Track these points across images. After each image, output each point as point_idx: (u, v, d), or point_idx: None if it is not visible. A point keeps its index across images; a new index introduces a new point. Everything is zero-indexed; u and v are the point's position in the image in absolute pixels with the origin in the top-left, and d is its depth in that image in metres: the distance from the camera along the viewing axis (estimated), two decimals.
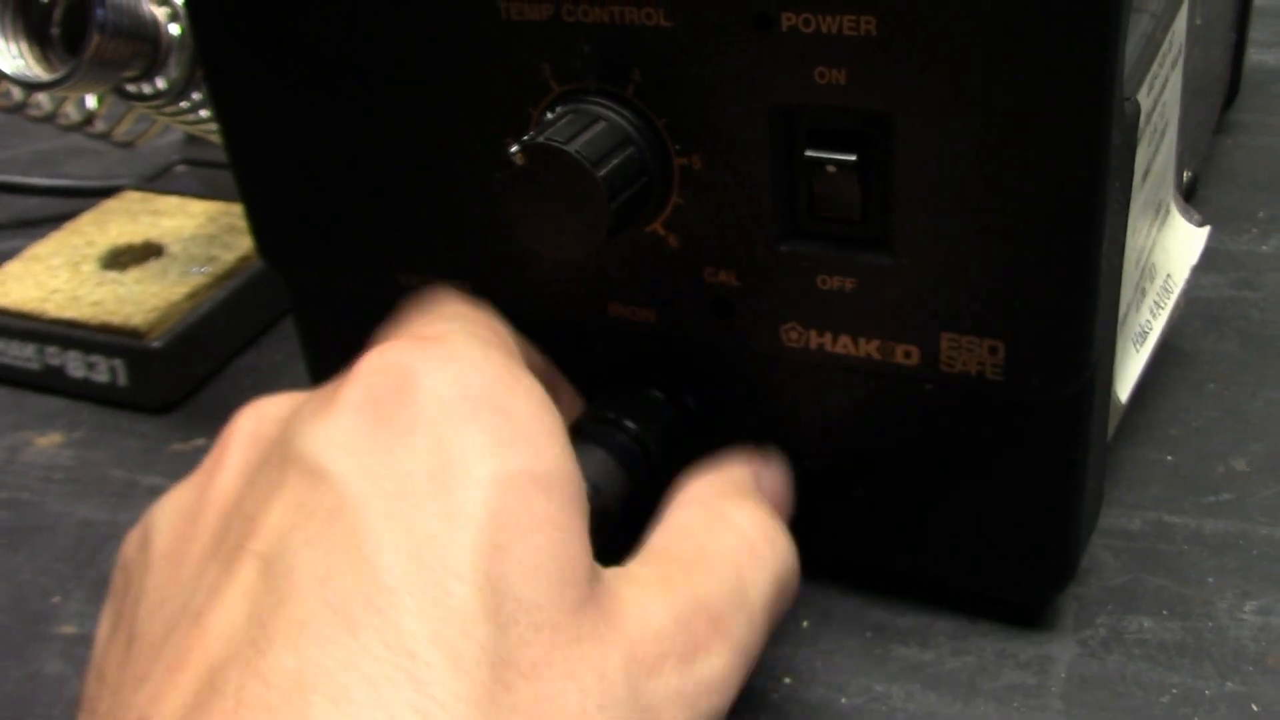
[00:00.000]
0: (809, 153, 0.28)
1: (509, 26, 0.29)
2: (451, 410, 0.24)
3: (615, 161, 0.28)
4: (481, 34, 0.30)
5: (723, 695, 0.25)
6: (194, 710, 0.20)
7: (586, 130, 0.28)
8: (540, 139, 0.27)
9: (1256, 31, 0.55)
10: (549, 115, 0.29)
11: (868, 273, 0.28)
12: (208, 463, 0.26)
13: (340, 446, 0.23)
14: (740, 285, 0.30)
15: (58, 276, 0.48)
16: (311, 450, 0.23)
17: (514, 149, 0.28)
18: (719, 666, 0.25)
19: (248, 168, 0.36)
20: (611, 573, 0.25)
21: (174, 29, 0.41)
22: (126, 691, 0.22)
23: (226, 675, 0.20)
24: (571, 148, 0.27)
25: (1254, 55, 0.57)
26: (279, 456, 0.24)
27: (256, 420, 0.26)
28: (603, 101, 0.29)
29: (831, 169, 0.28)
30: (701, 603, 0.25)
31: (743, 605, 0.26)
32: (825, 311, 0.29)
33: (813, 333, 0.30)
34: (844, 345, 0.30)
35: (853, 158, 0.27)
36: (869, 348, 0.29)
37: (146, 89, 0.43)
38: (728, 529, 0.28)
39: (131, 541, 0.26)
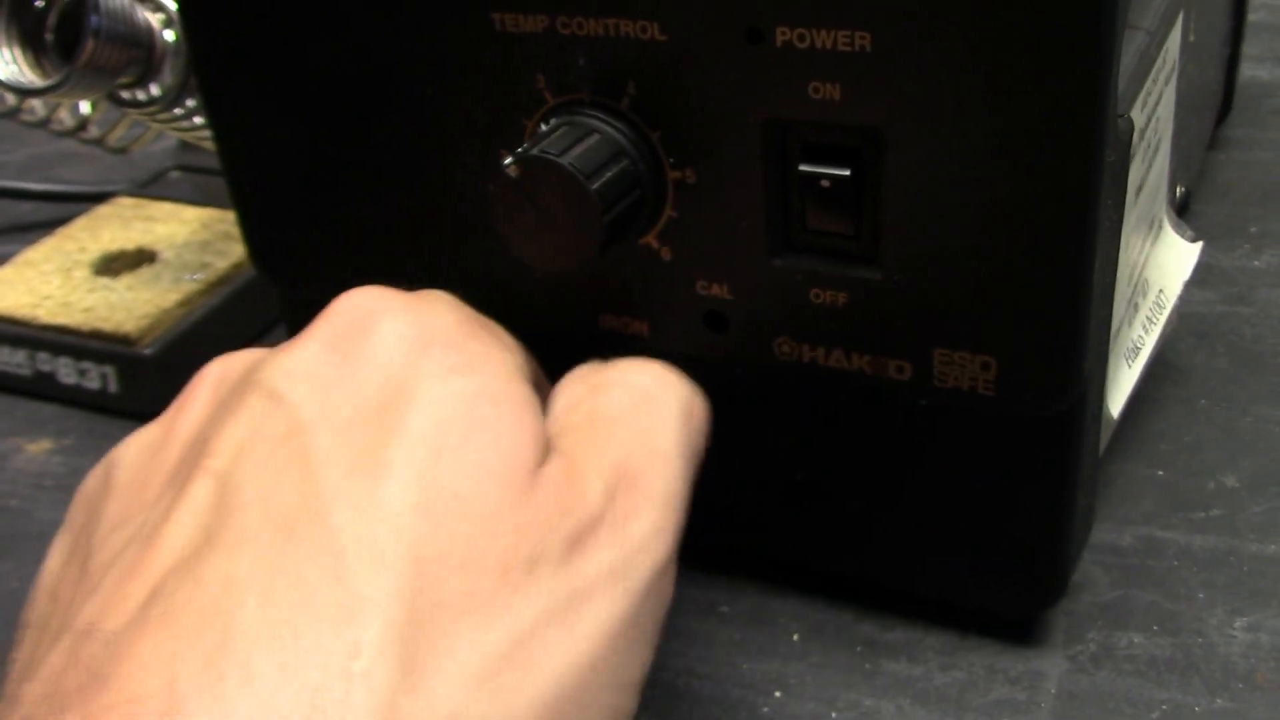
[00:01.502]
0: (802, 167, 0.28)
1: (503, 38, 0.29)
2: (409, 345, 0.25)
3: (609, 174, 0.28)
4: (476, 46, 0.30)
5: (654, 562, 0.24)
6: (138, 617, 0.21)
7: (580, 143, 0.28)
8: (534, 151, 0.27)
9: (1249, 46, 0.56)
10: (543, 127, 0.29)
11: (860, 287, 0.28)
12: (175, 404, 0.27)
13: (299, 375, 0.25)
14: (733, 299, 0.30)
15: (50, 282, 0.48)
16: (271, 377, 0.25)
17: (508, 161, 0.28)
18: (646, 528, 0.24)
19: (241, 176, 0.36)
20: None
21: (168, 35, 0.41)
22: (78, 604, 0.22)
23: (169, 583, 0.21)
24: (565, 160, 0.27)
25: (1247, 70, 0.58)
26: (243, 385, 0.25)
27: (224, 365, 0.27)
28: (597, 114, 0.29)
29: (825, 183, 0.28)
30: (623, 467, 0.25)
31: (662, 462, 0.26)
32: (818, 326, 0.29)
33: (805, 347, 0.30)
34: (836, 359, 0.30)
35: (846, 172, 0.27)
36: (861, 362, 0.29)
37: (140, 95, 0.43)
38: (636, 392, 0.27)
39: (93, 476, 0.27)
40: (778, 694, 0.32)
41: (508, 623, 0.22)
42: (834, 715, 0.31)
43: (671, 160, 0.29)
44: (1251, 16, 0.53)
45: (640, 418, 0.27)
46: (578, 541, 0.23)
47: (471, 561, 0.22)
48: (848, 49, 0.26)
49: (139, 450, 0.26)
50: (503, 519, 0.23)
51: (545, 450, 0.25)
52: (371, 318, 0.26)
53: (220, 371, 0.27)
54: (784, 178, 0.28)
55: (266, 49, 0.33)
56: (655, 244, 0.30)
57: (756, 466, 0.33)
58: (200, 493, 0.23)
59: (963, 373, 0.28)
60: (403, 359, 0.25)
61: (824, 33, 0.26)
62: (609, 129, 0.29)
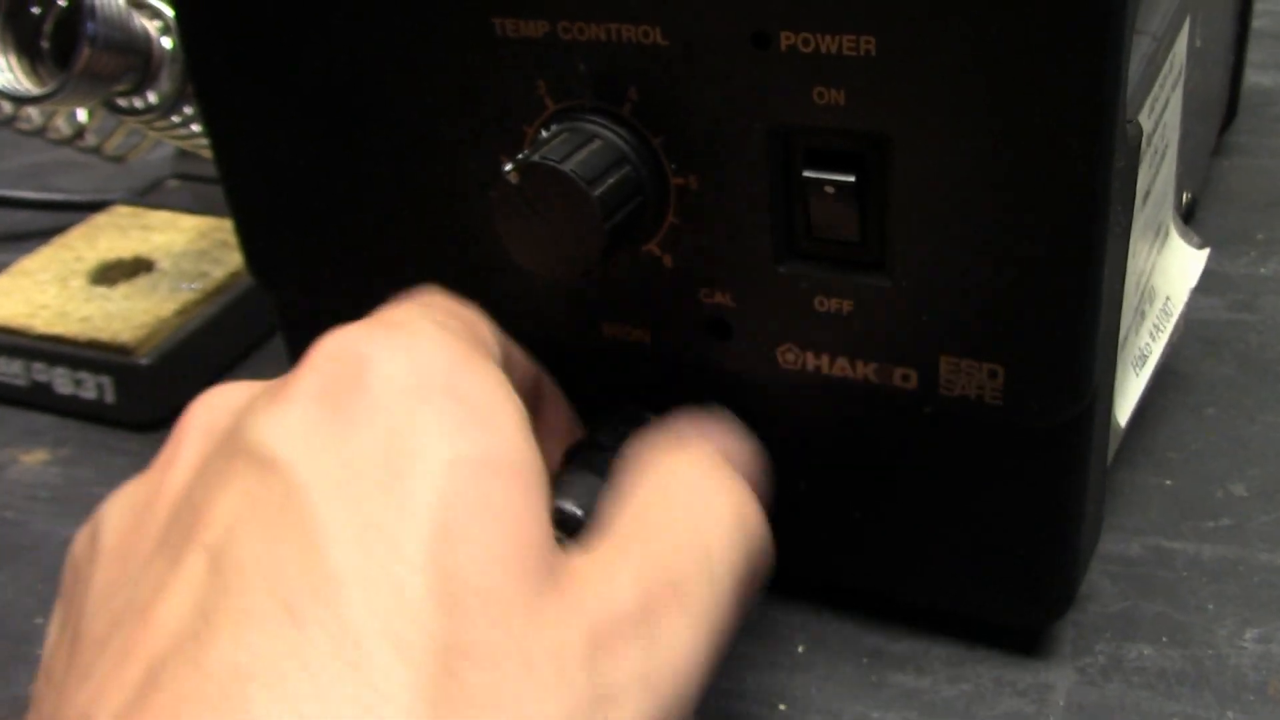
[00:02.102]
0: (807, 173, 0.27)
1: (504, 44, 0.29)
2: (405, 397, 0.23)
3: (610, 181, 0.28)
4: (476, 52, 0.29)
5: (687, 677, 0.23)
6: (134, 706, 0.20)
7: (582, 149, 0.28)
8: (535, 157, 0.27)
9: (1253, 53, 0.55)
10: (544, 133, 0.29)
11: (866, 294, 0.28)
12: (161, 458, 0.25)
13: (291, 436, 0.23)
14: (736, 306, 0.30)
15: (46, 292, 0.48)
16: (262, 440, 0.23)
17: (508, 167, 0.27)
18: (683, 640, 0.23)
19: (238, 184, 0.35)
20: (572, 551, 0.24)
21: (165, 42, 0.41)
22: (70, 689, 0.21)
23: (167, 668, 0.20)
24: (567, 167, 0.27)
25: (1251, 77, 0.57)
26: (230, 447, 0.23)
27: (209, 412, 0.26)
28: (598, 120, 0.28)
29: (829, 190, 0.27)
30: (662, 570, 0.24)
31: (707, 573, 0.24)
32: (822, 333, 0.29)
33: (809, 354, 0.29)
34: (841, 367, 0.29)
35: (851, 178, 0.27)
36: (867, 370, 0.29)
37: (138, 103, 0.43)
38: (689, 494, 0.26)
39: (81, 538, 0.26)
40: (782, 707, 0.31)
41: None
42: None
43: (674, 166, 0.29)
44: (1254, 23, 0.53)
45: (706, 536, 0.25)
46: (605, 641, 0.22)
47: (494, 658, 0.21)
48: (853, 54, 0.25)
49: (124, 510, 0.25)
50: (523, 609, 0.21)
51: (550, 520, 0.23)
52: (361, 365, 0.24)
53: (206, 421, 0.25)
54: (788, 184, 0.28)
55: (264, 55, 0.32)
56: (657, 251, 0.30)
57: None
58: (194, 568, 0.21)
59: (970, 381, 0.28)
60: (401, 412, 0.23)
61: (829, 37, 0.26)
62: (610, 135, 0.28)
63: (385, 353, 0.24)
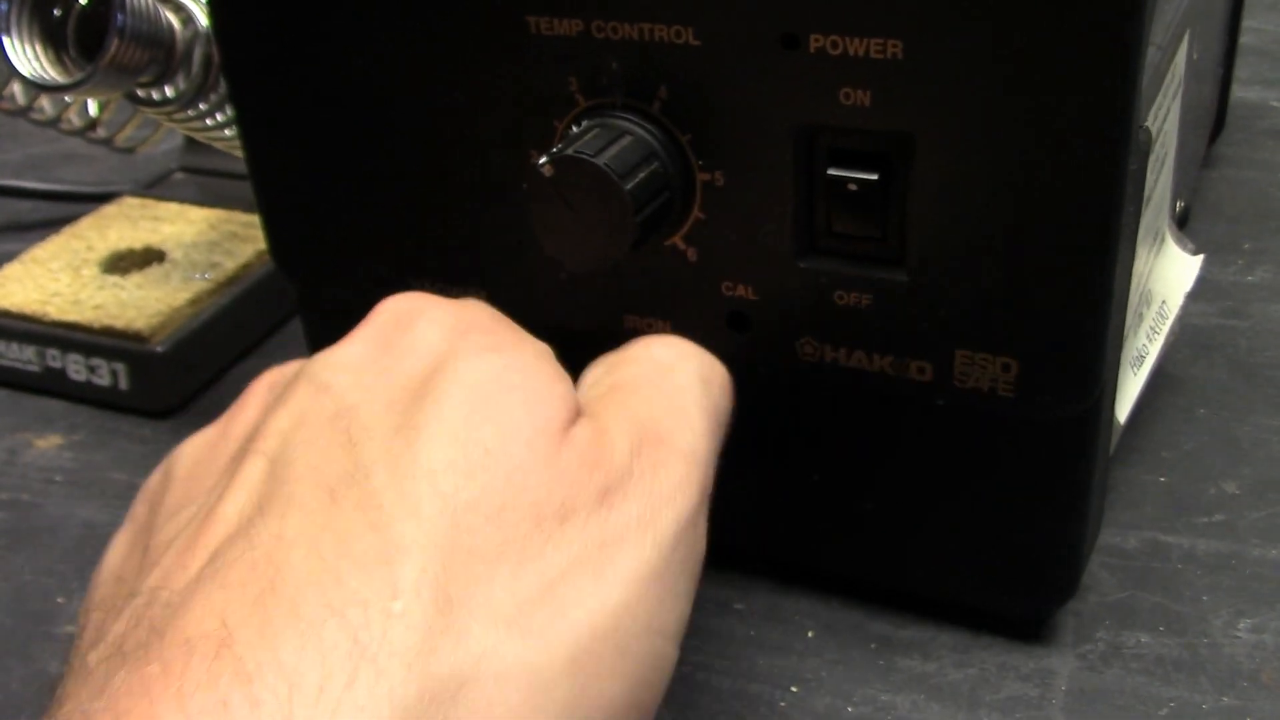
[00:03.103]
0: (831, 171, 0.28)
1: (538, 41, 0.30)
2: (447, 331, 0.27)
3: (641, 175, 0.28)
4: (510, 48, 0.30)
5: (681, 502, 0.25)
6: (194, 580, 0.22)
7: (614, 144, 0.29)
8: (570, 151, 0.28)
9: (1238, 69, 0.57)
10: (574, 129, 0.30)
11: (885, 290, 0.29)
12: (231, 409, 0.29)
13: (345, 368, 0.26)
14: (757, 299, 0.31)
15: (59, 280, 0.49)
16: (319, 371, 0.26)
17: (543, 160, 0.28)
18: (673, 478, 0.26)
19: (267, 177, 0.36)
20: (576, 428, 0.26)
21: (189, 35, 0.41)
22: (141, 580, 0.23)
23: (225, 551, 0.23)
24: (601, 160, 0.28)
25: (1237, 92, 0.59)
26: (293, 381, 0.27)
27: (277, 371, 0.29)
28: (628, 116, 0.29)
29: (852, 187, 0.28)
30: (649, 426, 0.26)
31: (685, 423, 0.27)
32: (841, 327, 0.30)
33: (827, 347, 0.30)
34: (858, 360, 0.30)
35: (874, 177, 0.28)
36: (883, 363, 0.30)
37: (155, 95, 0.43)
38: (659, 365, 0.29)
39: (154, 476, 0.29)
40: (795, 689, 0.32)
41: (540, 568, 0.23)
42: (850, 710, 0.32)
43: (700, 163, 0.29)
44: (1240, 39, 0.55)
45: (660, 382, 0.28)
46: (607, 495, 0.24)
47: (504, 512, 0.23)
48: (880, 56, 0.26)
49: (197, 447, 0.28)
50: (533, 473, 0.24)
51: (574, 416, 0.26)
52: (412, 315, 0.28)
53: (272, 377, 0.29)
54: (811, 181, 0.29)
55: (298, 49, 0.33)
56: (681, 244, 0.31)
57: (773, 466, 0.34)
58: (253, 471, 0.24)
59: (983, 374, 0.29)
60: (441, 343, 0.26)
61: (857, 40, 0.27)
62: (640, 131, 0.29)
63: (435, 308, 0.28)
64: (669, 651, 0.25)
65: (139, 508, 0.28)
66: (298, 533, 0.22)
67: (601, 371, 0.29)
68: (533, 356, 0.27)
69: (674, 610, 0.25)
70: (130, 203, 0.55)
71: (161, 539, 0.25)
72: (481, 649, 0.21)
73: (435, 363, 0.26)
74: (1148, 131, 0.29)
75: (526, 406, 0.25)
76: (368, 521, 0.22)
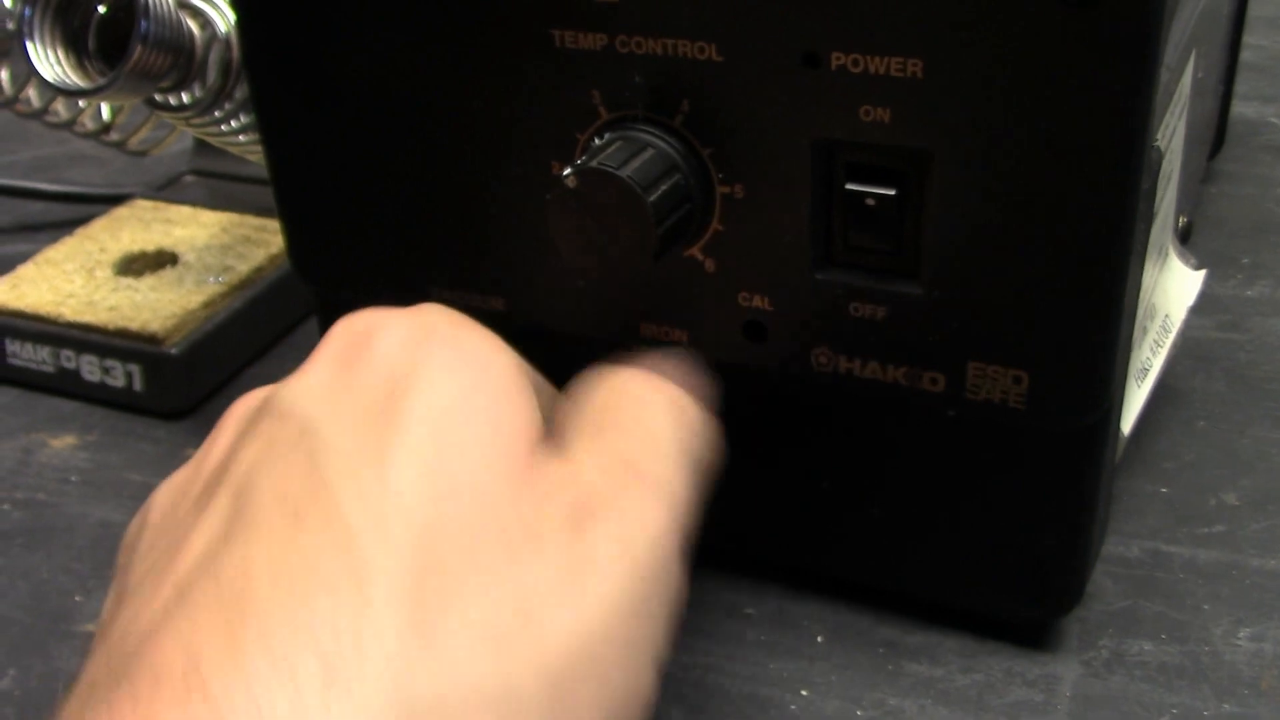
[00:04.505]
0: (849, 186, 0.29)
1: (562, 54, 0.30)
2: (407, 343, 0.26)
3: (663, 188, 0.29)
4: (534, 61, 0.31)
5: (657, 545, 0.25)
6: (162, 619, 0.22)
7: (636, 157, 0.29)
8: (593, 163, 0.29)
9: (1237, 85, 0.58)
10: (596, 142, 0.30)
11: (899, 302, 0.30)
12: (203, 445, 0.28)
13: (306, 392, 0.26)
14: (773, 310, 0.31)
15: (73, 281, 0.49)
16: (282, 400, 0.26)
17: (567, 171, 0.29)
18: (648, 509, 0.26)
19: (289, 183, 0.36)
20: (545, 455, 0.26)
21: (207, 40, 0.42)
22: (115, 621, 0.23)
23: (191, 584, 0.22)
24: (624, 173, 0.28)
25: (1236, 108, 0.60)
26: (259, 414, 0.27)
27: (244, 403, 0.29)
28: (650, 130, 0.30)
29: (869, 202, 0.29)
30: (619, 454, 0.26)
31: (655, 452, 0.27)
32: (856, 338, 0.31)
33: (842, 358, 0.31)
34: (872, 371, 0.31)
35: (892, 192, 0.29)
36: (897, 374, 0.31)
37: (175, 100, 0.44)
38: (630, 397, 0.29)
39: (132, 523, 0.28)
40: (805, 692, 0.33)
41: (512, 589, 0.23)
42: (859, 713, 0.32)
43: (721, 176, 0.30)
44: (1240, 55, 0.55)
45: (635, 411, 0.28)
46: (578, 517, 0.24)
47: (473, 534, 0.23)
48: (900, 75, 0.27)
49: (171, 489, 0.28)
50: (502, 495, 0.24)
51: (541, 432, 0.26)
52: (369, 330, 0.27)
53: (240, 409, 0.28)
54: (829, 195, 0.30)
55: (321, 59, 0.34)
56: (700, 256, 0.31)
57: (785, 473, 0.34)
58: (220, 505, 0.24)
59: (995, 386, 0.30)
60: (402, 354, 0.26)
61: (878, 59, 0.27)
62: (662, 144, 0.30)
63: (392, 320, 0.27)
64: (647, 679, 0.25)
65: (120, 557, 0.28)
66: (263, 556, 0.22)
67: (578, 389, 0.29)
68: (497, 371, 0.26)
69: (651, 643, 0.25)
70: (142, 205, 0.55)
71: (133, 580, 0.25)
72: (456, 671, 0.21)
73: (397, 377, 0.26)
74: (1159, 150, 0.30)
75: (492, 429, 0.25)
76: (335, 541, 0.22)
